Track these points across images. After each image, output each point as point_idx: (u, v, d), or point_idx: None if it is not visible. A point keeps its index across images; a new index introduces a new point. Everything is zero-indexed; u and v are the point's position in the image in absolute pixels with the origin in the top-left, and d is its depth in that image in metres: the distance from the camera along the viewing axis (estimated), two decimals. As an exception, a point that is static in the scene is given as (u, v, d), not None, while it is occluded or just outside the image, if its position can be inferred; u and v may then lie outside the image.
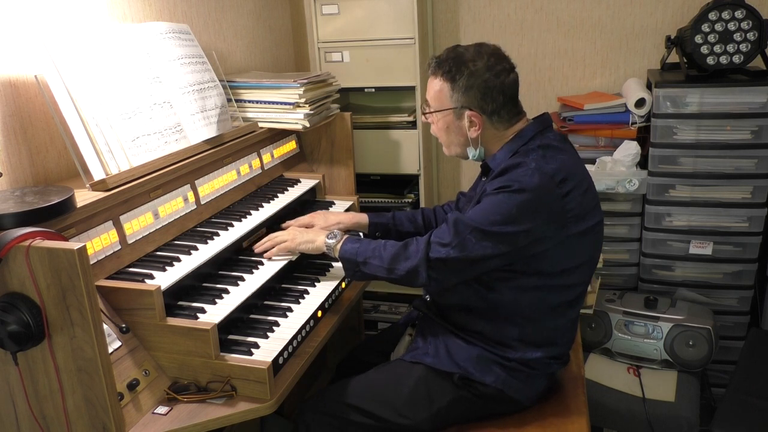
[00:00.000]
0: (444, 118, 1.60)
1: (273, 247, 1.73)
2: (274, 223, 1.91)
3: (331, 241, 1.67)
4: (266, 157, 2.12)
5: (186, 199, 1.71)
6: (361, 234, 1.90)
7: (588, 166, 2.39)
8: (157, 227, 1.60)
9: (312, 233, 1.73)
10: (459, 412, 1.61)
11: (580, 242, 1.53)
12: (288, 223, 1.89)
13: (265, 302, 1.66)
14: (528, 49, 2.78)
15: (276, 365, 1.42)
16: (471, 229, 1.47)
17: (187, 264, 1.53)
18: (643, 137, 2.45)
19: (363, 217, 1.91)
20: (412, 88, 2.62)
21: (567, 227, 1.49)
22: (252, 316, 1.60)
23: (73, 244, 1.13)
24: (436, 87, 1.59)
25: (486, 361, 1.59)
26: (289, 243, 1.72)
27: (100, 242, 1.43)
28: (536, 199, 1.45)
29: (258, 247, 1.75)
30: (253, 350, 1.43)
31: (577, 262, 1.55)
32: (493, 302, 1.58)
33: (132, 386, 1.32)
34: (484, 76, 1.53)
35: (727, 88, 2.23)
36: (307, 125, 2.06)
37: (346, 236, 1.69)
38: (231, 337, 1.50)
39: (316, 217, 1.89)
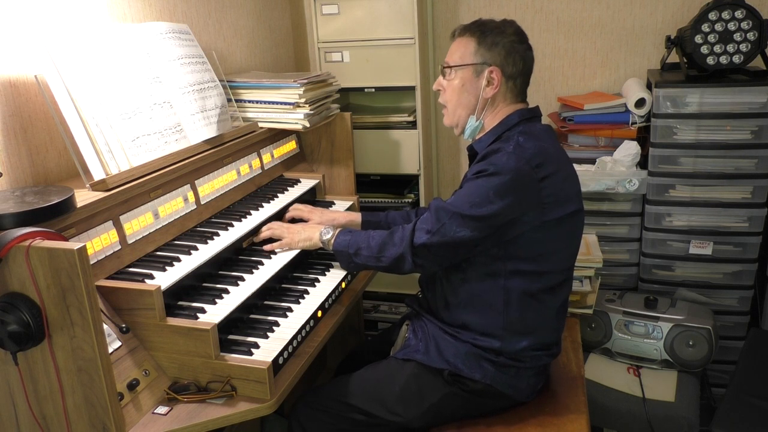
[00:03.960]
0: (462, 75, 1.62)
1: (271, 236, 1.79)
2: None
3: (326, 237, 1.74)
4: (266, 157, 2.12)
5: (186, 199, 1.71)
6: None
7: (588, 166, 2.44)
8: (157, 227, 1.60)
9: (308, 231, 1.79)
10: (451, 408, 1.63)
11: (557, 229, 1.56)
12: (292, 208, 1.96)
13: (265, 302, 1.66)
14: (528, 49, 2.78)
15: (276, 365, 1.42)
16: (451, 215, 1.52)
17: (187, 264, 1.53)
18: (643, 137, 2.45)
19: (357, 216, 1.96)
20: (412, 88, 2.62)
21: (544, 212, 1.52)
22: (252, 316, 1.60)
23: (73, 244, 1.13)
24: (461, 44, 1.63)
25: (475, 358, 1.61)
26: (288, 240, 1.78)
27: (100, 242, 1.43)
28: (512, 181, 1.48)
29: (258, 237, 1.81)
30: (253, 350, 1.43)
31: (552, 248, 1.58)
32: (471, 291, 1.60)
33: (132, 386, 1.32)
34: (511, 38, 1.60)
35: (727, 88, 2.23)
36: (307, 125, 2.06)
37: (339, 229, 1.75)
38: (231, 337, 1.50)
39: (315, 212, 1.95)
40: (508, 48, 1.58)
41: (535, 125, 1.62)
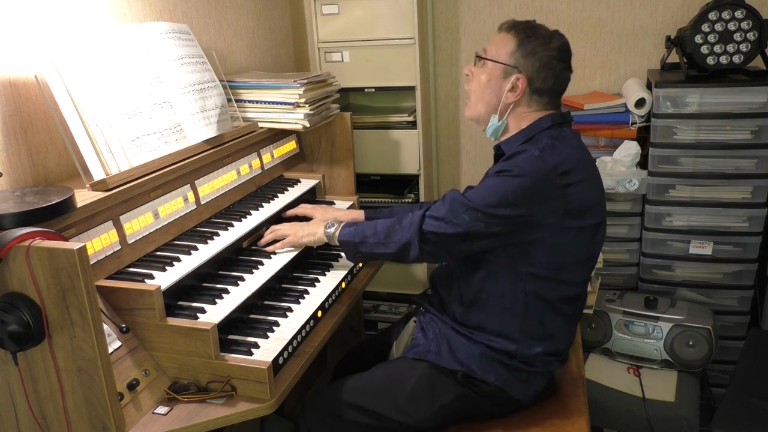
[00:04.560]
0: (492, 70, 1.58)
1: (275, 240, 1.79)
2: (274, 224, 1.90)
3: (330, 230, 1.74)
4: (266, 157, 2.12)
5: (186, 199, 1.71)
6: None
7: (588, 166, 2.43)
8: (157, 227, 1.60)
9: (312, 226, 1.78)
10: (460, 410, 1.62)
11: (577, 238, 1.53)
12: (292, 210, 1.97)
13: (265, 302, 1.66)
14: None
15: (276, 365, 1.42)
16: (466, 208, 1.50)
17: (187, 264, 1.53)
18: (643, 137, 2.45)
19: (360, 214, 1.96)
20: (412, 88, 2.62)
21: (565, 219, 1.49)
22: (252, 316, 1.60)
23: (73, 244, 1.13)
24: (503, 39, 1.58)
25: (489, 360, 1.60)
26: (292, 237, 1.78)
27: (100, 242, 1.43)
28: (534, 185, 1.46)
29: (262, 242, 1.80)
30: (253, 350, 1.43)
31: (572, 259, 1.56)
32: (490, 293, 1.59)
33: (132, 386, 1.32)
34: (551, 53, 1.53)
35: (727, 88, 2.23)
36: (307, 125, 2.06)
37: (344, 222, 1.75)
38: (231, 337, 1.50)
39: (318, 209, 1.96)
40: (545, 62, 1.53)
41: (565, 131, 1.57)
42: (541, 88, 1.56)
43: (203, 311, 1.45)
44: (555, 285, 1.56)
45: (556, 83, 1.56)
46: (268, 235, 1.80)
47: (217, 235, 1.69)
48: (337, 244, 1.72)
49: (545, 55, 1.53)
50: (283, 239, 1.78)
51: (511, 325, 1.58)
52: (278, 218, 1.92)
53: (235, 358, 1.40)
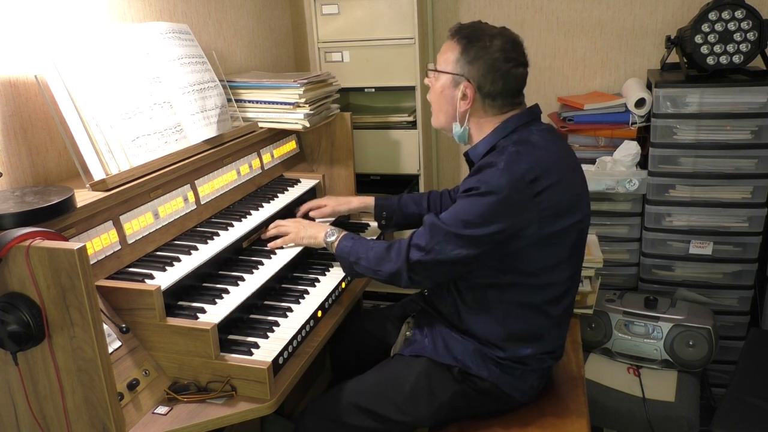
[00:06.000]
0: (443, 81, 1.59)
1: (278, 236, 1.81)
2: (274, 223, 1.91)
3: (330, 239, 1.73)
4: (266, 157, 2.12)
5: (186, 199, 1.71)
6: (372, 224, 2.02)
7: (588, 166, 2.43)
8: (157, 227, 1.60)
9: (314, 229, 1.79)
10: (459, 407, 1.62)
11: (559, 240, 1.52)
12: (305, 205, 2.02)
13: (265, 302, 1.66)
14: (528, 49, 2.72)
15: (276, 365, 1.42)
16: (444, 233, 1.48)
17: (187, 264, 1.53)
18: (643, 137, 2.45)
19: (370, 200, 2.01)
20: (412, 88, 2.62)
21: (542, 226, 1.48)
22: (252, 316, 1.60)
23: (73, 244, 1.13)
24: (448, 48, 1.58)
25: (482, 357, 1.60)
26: (293, 236, 1.79)
27: (100, 242, 1.43)
28: (505, 200, 1.44)
29: (265, 234, 1.83)
30: (253, 350, 1.43)
31: (556, 260, 1.55)
32: (475, 301, 1.59)
33: (132, 386, 1.32)
34: (494, 55, 1.51)
35: (727, 88, 2.23)
36: (307, 125, 2.06)
37: (344, 234, 1.73)
38: (231, 337, 1.50)
39: (330, 198, 2.04)
40: (489, 65, 1.51)
41: (532, 131, 1.54)
42: (491, 91, 1.53)
43: (203, 311, 1.45)
44: (539, 289, 1.56)
45: (506, 84, 1.53)
46: (272, 230, 1.82)
47: (217, 235, 1.69)
48: (334, 253, 1.72)
49: (488, 59, 1.51)
50: (286, 236, 1.79)
51: (496, 332, 1.59)
52: (278, 218, 1.92)
53: (235, 358, 1.40)
